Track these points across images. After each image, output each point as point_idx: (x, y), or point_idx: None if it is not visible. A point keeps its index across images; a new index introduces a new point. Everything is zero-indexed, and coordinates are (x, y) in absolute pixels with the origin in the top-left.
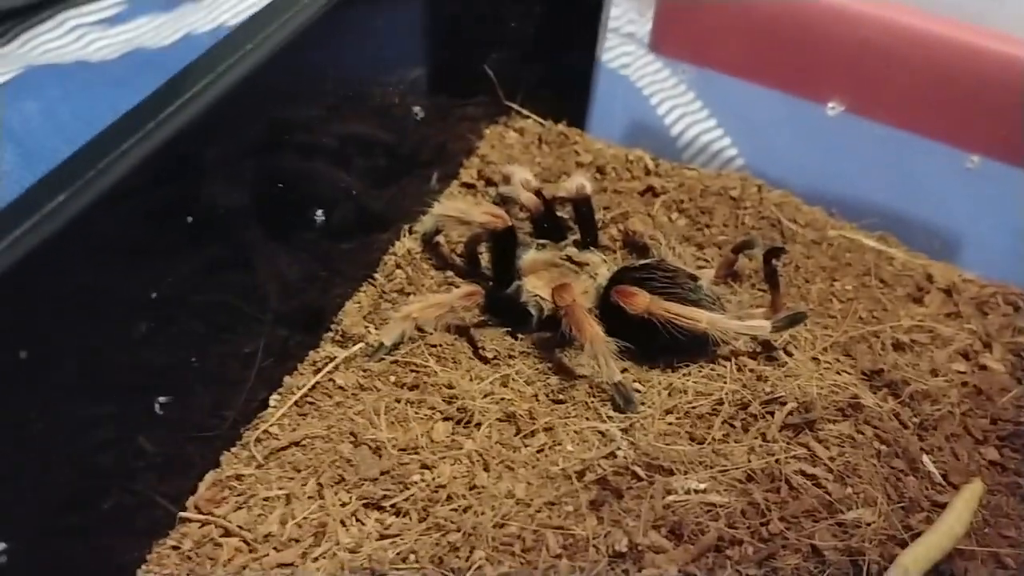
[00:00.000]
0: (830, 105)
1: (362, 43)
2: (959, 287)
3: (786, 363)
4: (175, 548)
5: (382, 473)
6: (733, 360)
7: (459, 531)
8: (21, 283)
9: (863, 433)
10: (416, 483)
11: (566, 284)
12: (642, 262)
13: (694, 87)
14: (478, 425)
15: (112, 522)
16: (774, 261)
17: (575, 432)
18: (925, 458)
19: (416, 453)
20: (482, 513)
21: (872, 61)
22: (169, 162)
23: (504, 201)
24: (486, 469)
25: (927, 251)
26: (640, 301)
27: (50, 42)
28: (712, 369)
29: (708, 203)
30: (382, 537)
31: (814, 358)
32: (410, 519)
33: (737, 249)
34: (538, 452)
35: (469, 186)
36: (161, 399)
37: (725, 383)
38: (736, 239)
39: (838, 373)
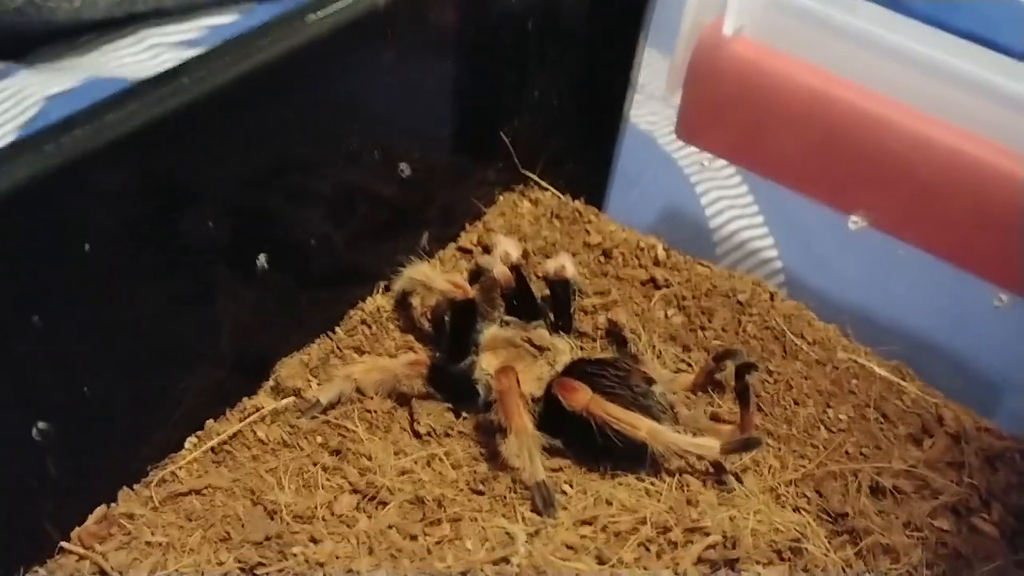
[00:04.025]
0: (853, 219)
1: (379, 90)
2: (970, 435)
3: (733, 490)
4: None
5: (267, 538)
6: (677, 477)
7: None
8: None
9: None
10: (295, 555)
11: (509, 367)
12: (598, 357)
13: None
14: (383, 504)
15: None
16: (747, 377)
17: (482, 528)
18: None
19: (309, 523)
20: None
21: (902, 176)
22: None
23: (481, 272)
24: (370, 553)
25: (947, 389)
26: (580, 398)
27: (125, 57)
28: (652, 484)
29: (711, 303)
30: None
31: (772, 489)
32: None
33: (719, 358)
34: (436, 543)
35: (466, 251)
36: (41, 424)
37: (659, 501)
38: (730, 347)
39: (794, 510)
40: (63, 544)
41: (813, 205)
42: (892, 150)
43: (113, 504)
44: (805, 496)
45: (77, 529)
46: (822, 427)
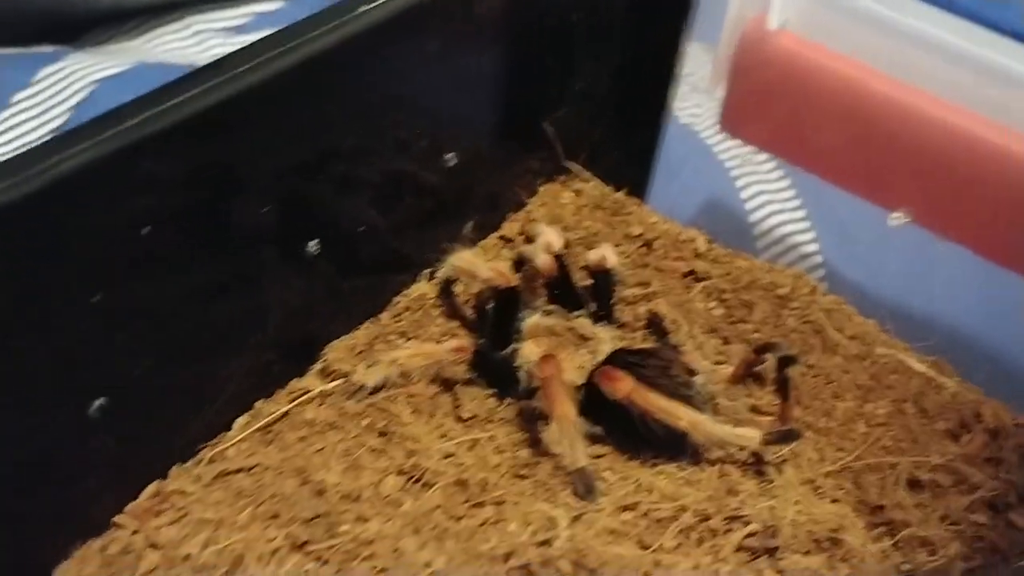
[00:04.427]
0: (893, 215)
1: (425, 80)
2: (1008, 431)
3: (772, 480)
4: (102, 550)
5: (315, 516)
6: (717, 467)
7: None
8: None
9: (835, 570)
10: (344, 533)
11: (552, 355)
12: (640, 347)
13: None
14: (428, 486)
15: (47, 516)
16: (787, 370)
17: (525, 512)
18: None
19: (356, 503)
20: None
21: (945, 173)
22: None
23: (524, 261)
24: (416, 533)
25: (985, 386)
26: (622, 387)
27: (172, 42)
28: (692, 473)
29: (752, 296)
30: None
31: (811, 480)
32: (327, 569)
33: (760, 350)
34: (480, 526)
35: (508, 240)
36: (98, 402)
37: (699, 489)
38: (770, 339)
39: (833, 501)
40: (116, 519)
41: (854, 200)
42: (935, 146)
43: (164, 480)
44: (843, 488)
45: (130, 504)
46: (860, 421)
